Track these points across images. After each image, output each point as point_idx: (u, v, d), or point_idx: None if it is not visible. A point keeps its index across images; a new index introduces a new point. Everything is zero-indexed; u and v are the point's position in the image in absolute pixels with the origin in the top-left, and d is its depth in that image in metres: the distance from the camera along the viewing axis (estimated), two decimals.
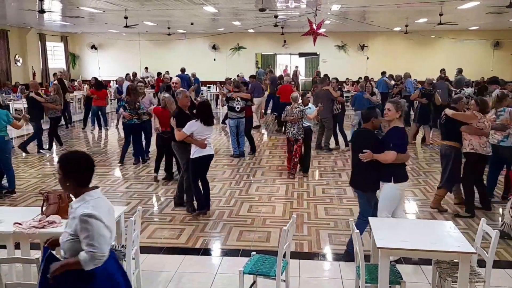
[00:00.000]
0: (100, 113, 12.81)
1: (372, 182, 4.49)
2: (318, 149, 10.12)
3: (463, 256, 3.27)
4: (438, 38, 20.66)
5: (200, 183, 5.97)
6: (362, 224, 4.45)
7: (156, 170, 7.78)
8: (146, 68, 21.31)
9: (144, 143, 9.12)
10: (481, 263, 3.65)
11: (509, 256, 4.82)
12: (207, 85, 20.19)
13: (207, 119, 5.73)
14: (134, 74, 17.19)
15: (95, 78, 13.95)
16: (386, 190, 4.42)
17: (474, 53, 20.91)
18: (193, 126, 5.66)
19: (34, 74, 19.42)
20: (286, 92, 12.28)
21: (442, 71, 15.14)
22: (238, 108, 9.27)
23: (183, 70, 16.67)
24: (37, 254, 3.03)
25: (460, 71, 14.58)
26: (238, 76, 16.71)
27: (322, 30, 12.81)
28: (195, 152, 5.76)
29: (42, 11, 10.58)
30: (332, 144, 10.27)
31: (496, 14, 14.20)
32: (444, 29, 17.75)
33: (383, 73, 16.45)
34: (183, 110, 6.06)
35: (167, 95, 7.57)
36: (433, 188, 7.14)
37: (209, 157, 5.92)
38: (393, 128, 4.43)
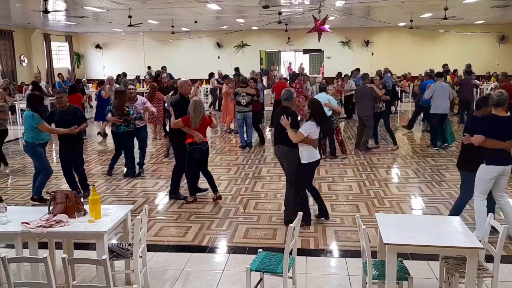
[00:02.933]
0: None
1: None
2: (357, 148, 9.65)
3: (471, 252, 3.25)
4: (444, 32, 20.51)
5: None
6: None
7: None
8: (149, 67, 21.28)
9: (139, 154, 8.10)
10: (489, 258, 3.63)
11: None
12: None
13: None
14: (124, 75, 17.03)
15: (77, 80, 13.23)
16: (479, 171, 4.80)
17: (480, 47, 20.76)
18: (311, 128, 5.25)
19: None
20: (281, 89, 12.46)
21: (445, 66, 15.10)
22: (243, 102, 9.98)
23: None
24: (45, 253, 3.04)
25: (469, 67, 14.41)
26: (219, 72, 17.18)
27: (326, 26, 12.77)
28: (308, 156, 5.30)
29: (46, 11, 10.62)
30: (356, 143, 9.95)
31: (502, 8, 14.08)
32: (450, 23, 17.62)
33: (357, 70, 16.51)
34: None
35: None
36: (439, 184, 7.13)
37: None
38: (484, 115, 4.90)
